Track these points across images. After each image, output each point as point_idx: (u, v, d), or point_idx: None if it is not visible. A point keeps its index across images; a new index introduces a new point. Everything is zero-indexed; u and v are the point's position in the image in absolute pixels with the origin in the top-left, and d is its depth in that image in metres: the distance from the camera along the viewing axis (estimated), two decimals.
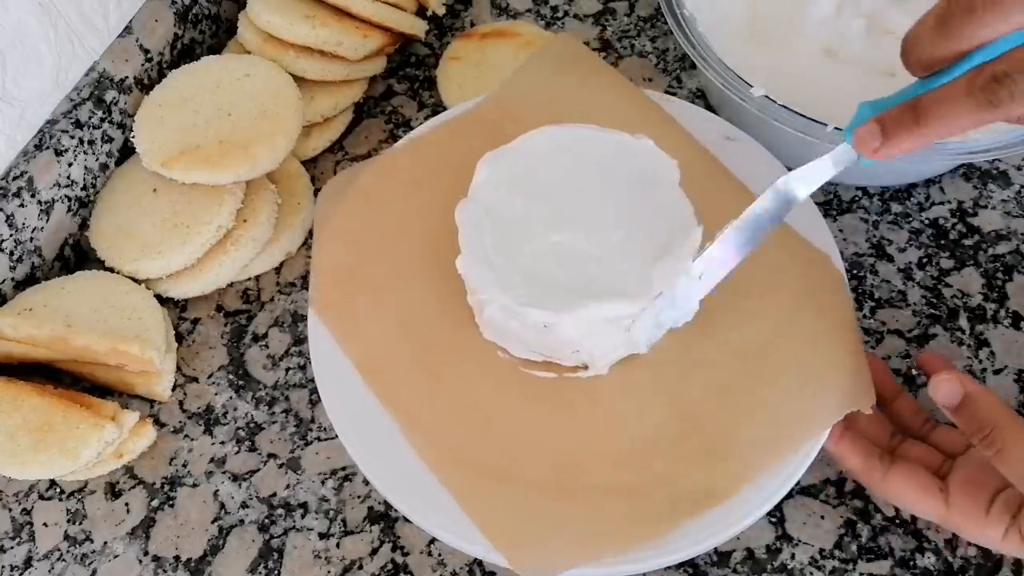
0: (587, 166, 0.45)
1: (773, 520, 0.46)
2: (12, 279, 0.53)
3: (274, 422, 0.51)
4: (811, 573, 0.45)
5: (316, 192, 0.59)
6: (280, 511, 0.48)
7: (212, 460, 0.50)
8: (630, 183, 0.44)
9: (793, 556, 0.45)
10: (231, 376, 0.53)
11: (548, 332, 0.41)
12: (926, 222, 0.55)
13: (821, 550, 0.45)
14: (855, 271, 0.53)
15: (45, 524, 0.49)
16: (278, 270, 0.57)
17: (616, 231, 0.43)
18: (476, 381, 0.43)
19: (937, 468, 0.42)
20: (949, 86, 0.32)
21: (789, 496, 0.41)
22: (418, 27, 0.62)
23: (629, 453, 0.41)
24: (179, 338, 0.54)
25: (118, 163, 0.58)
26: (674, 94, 0.61)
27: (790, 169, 0.51)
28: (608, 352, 0.43)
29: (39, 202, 0.53)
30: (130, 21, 0.58)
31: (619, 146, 0.45)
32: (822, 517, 0.46)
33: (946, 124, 0.32)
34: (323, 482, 0.49)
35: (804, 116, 0.49)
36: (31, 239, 0.53)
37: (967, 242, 0.54)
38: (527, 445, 0.42)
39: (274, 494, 0.49)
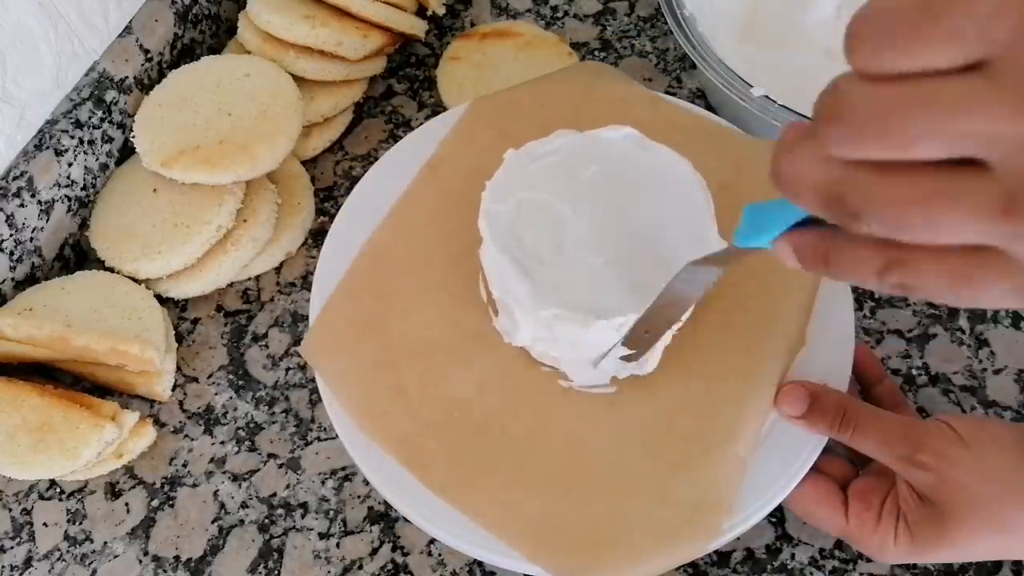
0: (629, 178, 0.43)
1: (773, 520, 0.46)
2: (12, 279, 0.53)
3: (274, 422, 0.51)
4: (811, 573, 0.45)
5: (316, 192, 0.59)
6: (280, 511, 0.48)
7: (212, 460, 0.50)
8: (663, 214, 0.43)
9: (793, 556, 0.45)
10: (231, 376, 0.53)
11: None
12: None
13: (821, 550, 0.45)
14: None
15: (45, 524, 0.49)
16: (278, 270, 0.57)
17: (621, 248, 0.42)
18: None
19: (845, 480, 0.42)
20: (862, 257, 0.26)
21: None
22: (418, 27, 0.62)
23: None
24: (179, 338, 0.54)
25: (118, 163, 0.58)
26: (674, 94, 0.61)
27: None
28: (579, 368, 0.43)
29: (39, 202, 0.53)
30: (130, 21, 0.58)
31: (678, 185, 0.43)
32: None
33: (851, 281, 0.28)
34: (323, 482, 0.49)
35: (804, 116, 0.49)
36: (31, 239, 0.53)
37: None
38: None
39: (274, 494, 0.49)
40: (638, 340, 0.40)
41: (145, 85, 0.58)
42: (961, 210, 0.22)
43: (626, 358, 0.41)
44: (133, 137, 0.54)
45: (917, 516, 0.38)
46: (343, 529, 0.48)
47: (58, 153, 0.53)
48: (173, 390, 0.52)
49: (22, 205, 0.52)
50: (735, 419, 0.41)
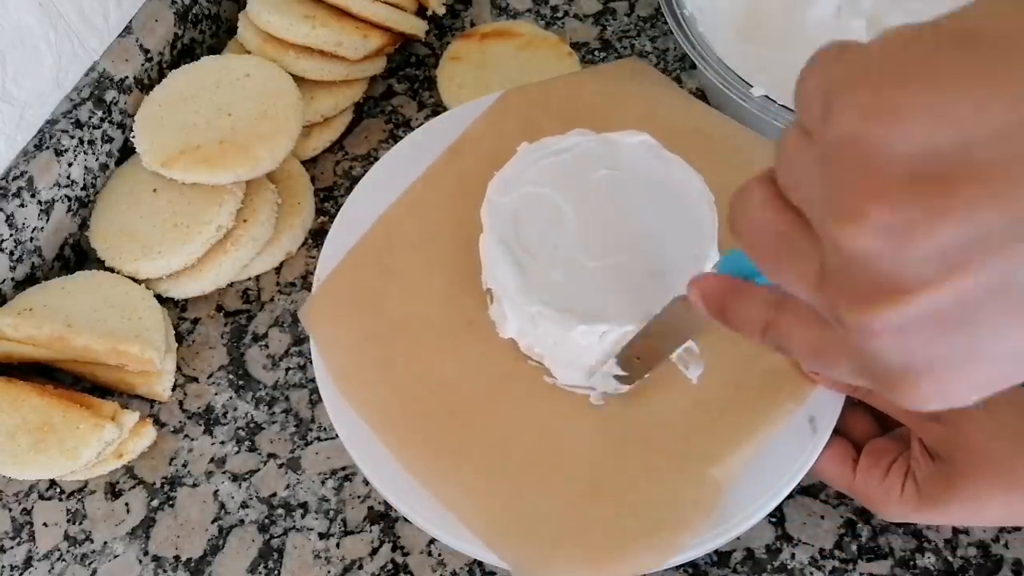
0: (637, 185, 0.43)
1: (773, 520, 0.46)
2: (12, 279, 0.53)
3: (274, 422, 0.51)
4: (811, 573, 0.45)
5: (316, 192, 0.59)
6: (280, 511, 0.48)
7: (212, 460, 0.50)
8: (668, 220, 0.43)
9: (793, 556, 0.45)
10: (231, 376, 0.53)
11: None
12: None
13: (821, 550, 0.45)
14: None
15: (45, 524, 0.49)
16: (278, 270, 0.57)
17: (617, 254, 0.42)
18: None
19: (865, 440, 0.43)
20: (750, 315, 0.27)
21: (789, 496, 0.41)
22: (418, 27, 0.62)
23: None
24: (179, 338, 0.54)
25: (118, 163, 0.58)
26: None
27: None
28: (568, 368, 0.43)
29: (39, 202, 0.53)
30: (130, 21, 0.58)
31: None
32: (822, 517, 0.46)
33: (742, 333, 0.29)
34: (323, 482, 0.49)
35: None
36: (31, 239, 0.53)
37: None
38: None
39: (274, 494, 0.49)
40: (631, 365, 0.40)
41: (145, 85, 0.58)
42: (795, 270, 0.23)
43: (620, 379, 0.41)
44: (133, 137, 0.54)
45: (926, 473, 0.38)
46: (343, 529, 0.48)
47: (58, 153, 0.53)
48: (173, 390, 0.52)
49: (22, 205, 0.52)
50: (719, 442, 0.41)
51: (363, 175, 0.51)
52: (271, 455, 0.50)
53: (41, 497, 0.50)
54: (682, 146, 0.44)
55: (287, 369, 0.53)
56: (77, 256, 0.57)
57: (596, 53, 0.64)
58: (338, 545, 0.47)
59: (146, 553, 0.48)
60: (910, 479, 0.39)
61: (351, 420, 0.43)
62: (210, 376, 0.53)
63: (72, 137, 0.54)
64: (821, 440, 0.41)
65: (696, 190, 0.43)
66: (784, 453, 0.41)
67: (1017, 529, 0.45)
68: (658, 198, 0.43)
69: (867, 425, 0.43)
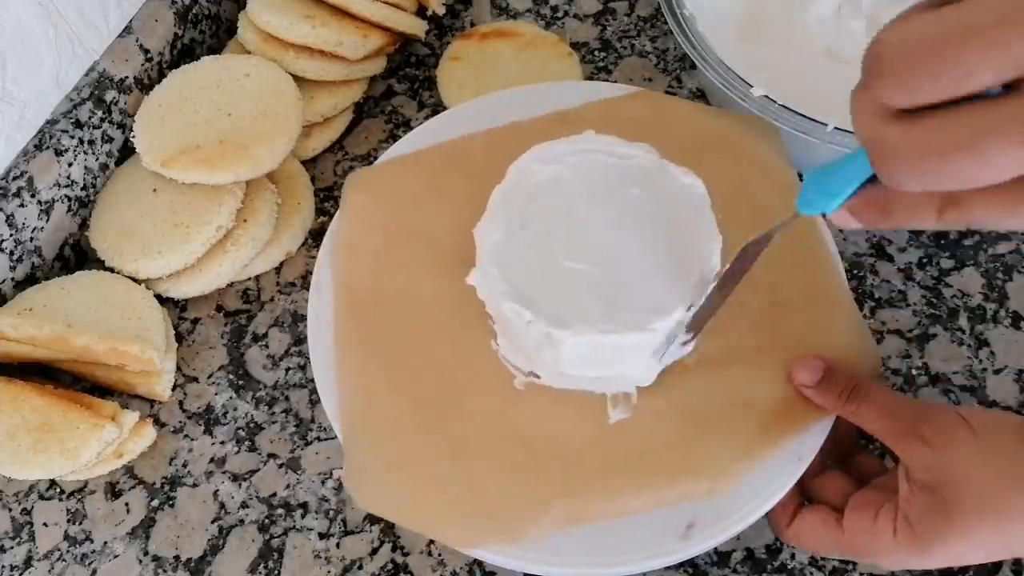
0: (657, 207, 0.43)
1: None
2: (12, 279, 0.53)
3: (274, 422, 0.51)
4: (811, 573, 0.45)
5: (316, 192, 0.59)
6: (280, 511, 0.48)
7: (212, 460, 0.50)
8: (665, 227, 0.43)
9: (793, 556, 0.45)
10: (231, 376, 0.53)
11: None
12: None
13: None
14: (855, 271, 0.53)
15: (45, 524, 0.49)
16: (278, 270, 0.57)
17: (592, 264, 0.42)
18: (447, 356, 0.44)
19: (845, 502, 0.41)
20: (919, 202, 0.28)
21: None
22: (418, 27, 0.62)
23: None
24: (179, 338, 0.54)
25: (118, 163, 0.58)
26: (674, 94, 0.61)
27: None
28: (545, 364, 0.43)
29: (39, 202, 0.53)
30: (130, 21, 0.58)
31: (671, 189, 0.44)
32: None
33: (911, 226, 0.29)
34: (323, 482, 0.49)
35: (804, 116, 0.49)
36: (31, 239, 0.53)
37: (967, 242, 0.54)
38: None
39: (274, 494, 0.49)
40: (700, 323, 0.41)
41: (145, 85, 0.58)
42: (1012, 139, 0.21)
43: (685, 343, 0.42)
44: (133, 137, 0.54)
45: (919, 509, 0.36)
46: (343, 529, 0.48)
47: (58, 153, 0.53)
48: (173, 390, 0.52)
49: (22, 205, 0.52)
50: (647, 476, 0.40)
51: None
52: (271, 455, 0.50)
53: (41, 497, 0.50)
54: (733, 212, 0.43)
55: (287, 369, 0.53)
56: (77, 256, 0.57)
57: (596, 53, 0.64)
58: (338, 545, 0.47)
59: (146, 553, 0.48)
60: (902, 520, 0.37)
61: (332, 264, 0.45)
62: (210, 376, 0.53)
63: (72, 137, 0.54)
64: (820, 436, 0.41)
65: (713, 253, 0.42)
66: (783, 452, 0.41)
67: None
68: (670, 238, 0.42)
69: (843, 484, 0.41)
